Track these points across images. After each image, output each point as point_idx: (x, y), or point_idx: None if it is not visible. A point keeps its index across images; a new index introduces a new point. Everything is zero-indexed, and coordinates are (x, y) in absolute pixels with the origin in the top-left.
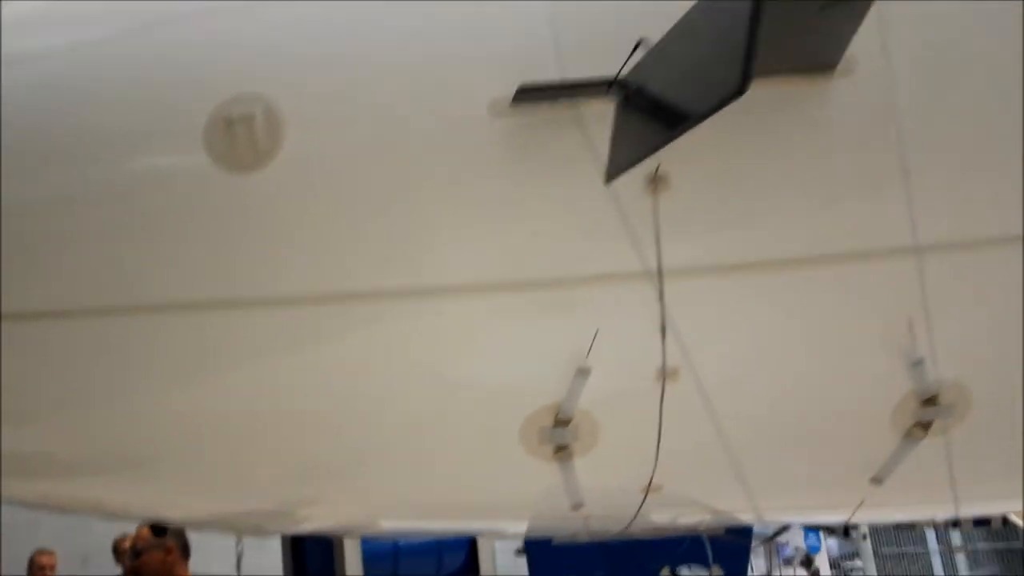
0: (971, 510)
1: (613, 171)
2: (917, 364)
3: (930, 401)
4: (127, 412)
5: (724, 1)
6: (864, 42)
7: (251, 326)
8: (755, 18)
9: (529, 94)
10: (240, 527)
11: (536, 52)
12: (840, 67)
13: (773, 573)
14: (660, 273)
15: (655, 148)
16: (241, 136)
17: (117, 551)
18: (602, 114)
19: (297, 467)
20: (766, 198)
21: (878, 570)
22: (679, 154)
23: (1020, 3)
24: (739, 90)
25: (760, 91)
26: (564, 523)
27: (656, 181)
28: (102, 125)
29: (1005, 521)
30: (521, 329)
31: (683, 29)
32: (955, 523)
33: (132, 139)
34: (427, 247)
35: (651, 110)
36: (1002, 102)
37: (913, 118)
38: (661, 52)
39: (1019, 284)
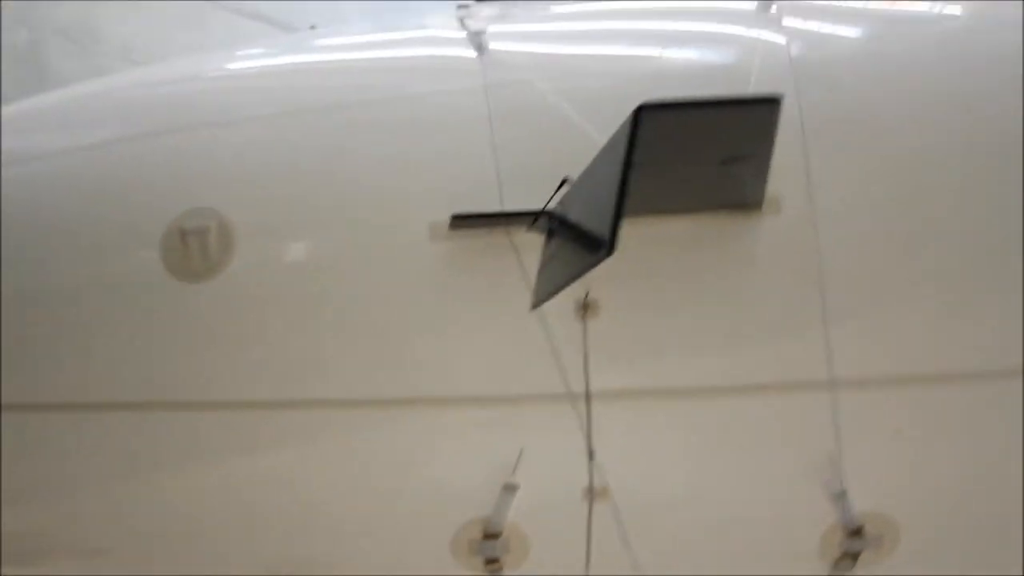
0: None
1: (538, 298)
2: (839, 496)
3: (856, 532)
4: (79, 505)
5: (610, 155)
6: (791, 184)
7: (192, 428)
8: (622, 191)
9: (466, 220)
10: None
11: (478, 178)
12: (767, 206)
13: None
14: (588, 396)
15: (568, 282)
16: (195, 248)
17: None
18: (535, 242)
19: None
20: (692, 328)
21: None
22: (609, 281)
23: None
24: (608, 252)
25: (691, 224)
26: None
27: (586, 307)
28: (66, 231)
29: None
30: (451, 443)
31: (589, 173)
32: None
33: (93, 246)
34: (363, 361)
35: (572, 243)
36: (918, 245)
37: (834, 258)
38: (578, 189)
39: (935, 419)
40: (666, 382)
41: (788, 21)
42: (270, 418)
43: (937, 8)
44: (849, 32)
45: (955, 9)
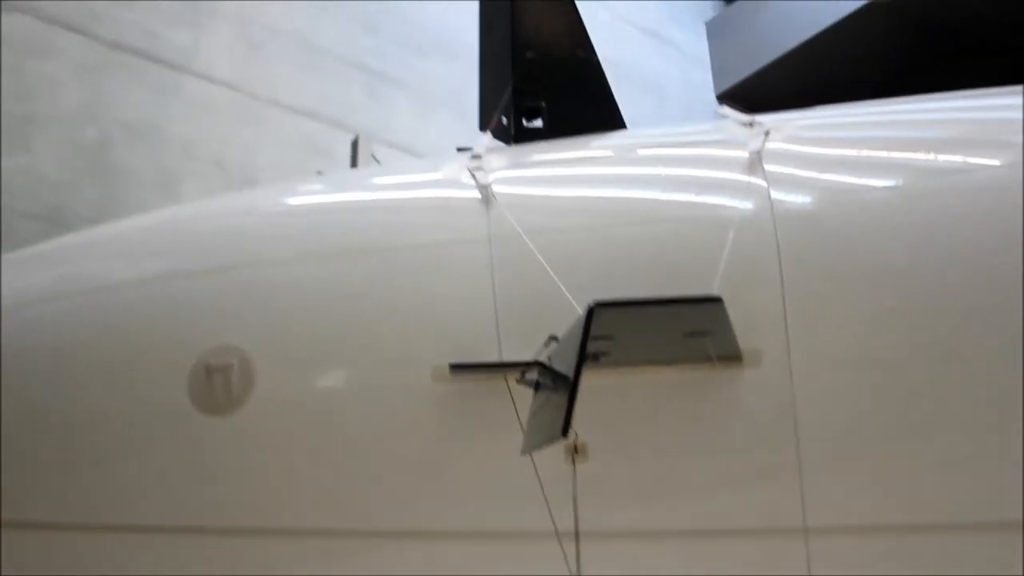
0: None
1: (528, 447)
2: None
3: None
4: None
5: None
6: (771, 339)
7: (211, 552)
8: (575, 382)
9: (464, 367)
10: None
11: (479, 325)
12: (748, 358)
13: None
14: (577, 535)
15: (547, 444)
16: (219, 383)
17: None
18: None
19: None
20: (675, 473)
21: None
22: (598, 427)
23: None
24: (563, 435)
25: (676, 374)
26: None
27: (576, 450)
28: (101, 360)
29: None
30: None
31: (563, 345)
32: None
33: (125, 376)
34: (367, 493)
35: (558, 395)
36: (897, 397)
37: (810, 410)
38: (559, 352)
39: (909, 568)
40: (650, 524)
41: (772, 167)
42: (281, 545)
43: (926, 158)
44: (833, 180)
45: (947, 162)
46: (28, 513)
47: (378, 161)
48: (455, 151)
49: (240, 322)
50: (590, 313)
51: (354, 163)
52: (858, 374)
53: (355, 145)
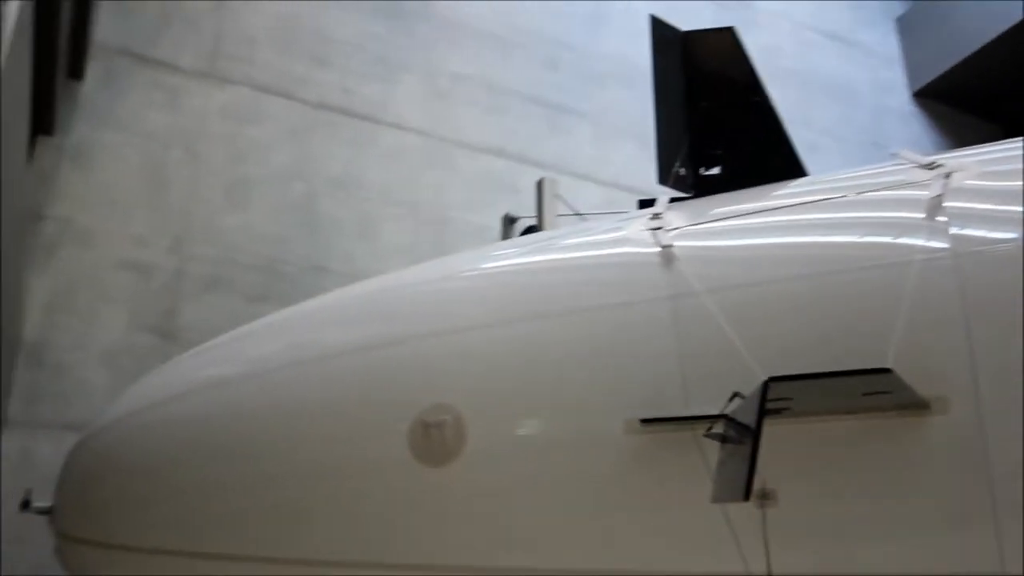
0: None
1: (718, 496)
2: None
3: None
4: None
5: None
6: (958, 383)
7: None
8: (754, 447)
9: (654, 421)
10: None
11: (666, 381)
12: (935, 406)
13: None
14: None
15: (729, 500)
16: (435, 438)
17: None
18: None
19: None
20: (863, 518)
21: None
22: (786, 473)
23: None
24: (745, 498)
25: (861, 424)
26: None
27: (764, 496)
28: (328, 424)
29: None
30: None
31: (744, 407)
32: None
33: (355, 431)
34: (566, 535)
35: (743, 450)
36: None
37: (1002, 454)
38: (742, 410)
39: None
40: (839, 568)
41: (955, 205)
42: None
43: None
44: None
45: None
46: (270, 551)
47: (563, 200)
48: (637, 206)
49: (451, 382)
50: (765, 387)
51: (539, 203)
52: None
53: (540, 186)
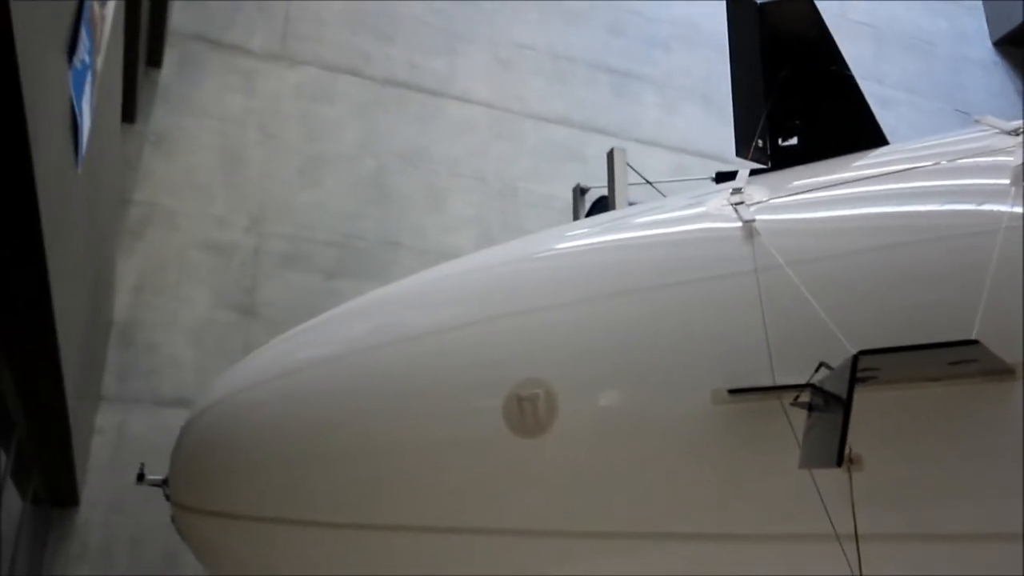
0: None
1: (805, 462)
2: None
3: None
4: None
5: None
6: None
7: (527, 551)
8: (845, 420)
9: (742, 391)
10: None
11: (752, 352)
12: (1019, 372)
13: None
14: (856, 537)
15: (823, 466)
16: (528, 411)
17: None
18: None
19: None
20: (947, 480)
21: None
22: (872, 439)
23: None
24: (838, 464)
25: (947, 390)
26: None
27: (851, 460)
28: (432, 394)
29: None
30: (740, 571)
31: (833, 378)
32: None
33: (452, 406)
34: (660, 500)
35: (832, 414)
36: None
37: None
38: (830, 381)
39: None
40: (925, 528)
41: None
42: (586, 545)
43: None
44: None
45: None
46: (384, 518)
47: (634, 169)
48: (713, 180)
49: (542, 357)
50: (855, 359)
51: (610, 173)
52: None
53: (610, 157)
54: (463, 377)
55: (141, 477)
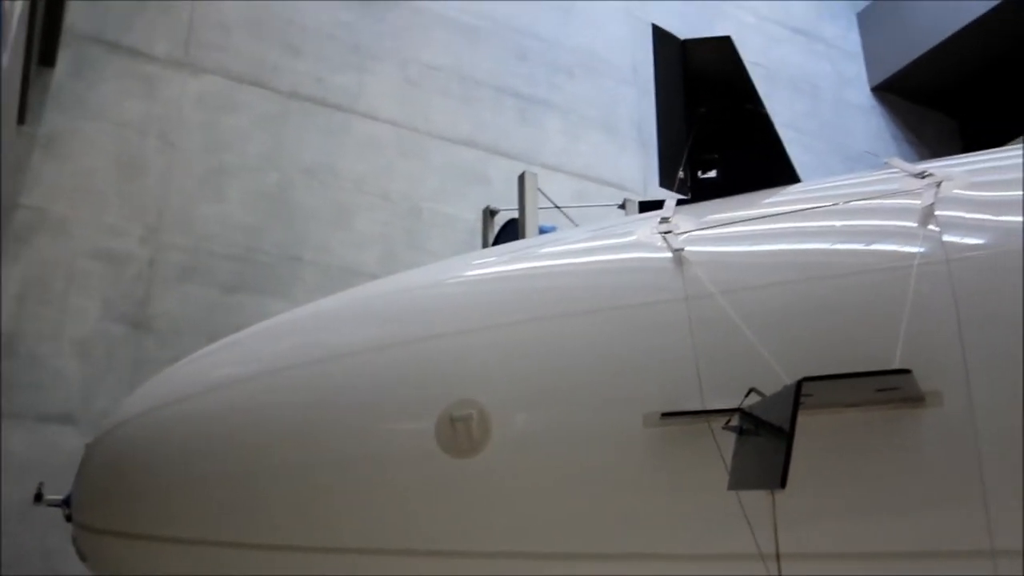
0: None
1: (733, 484)
2: None
3: None
4: None
5: (780, 403)
6: (951, 380)
7: (455, 572)
8: (789, 443)
9: (672, 415)
10: None
11: (682, 377)
12: (929, 400)
13: None
14: (778, 556)
15: (755, 488)
16: (461, 431)
17: None
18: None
19: None
20: (862, 501)
21: None
22: (795, 459)
23: None
24: (781, 486)
25: (867, 415)
26: None
27: None
28: (365, 418)
29: None
30: None
31: (768, 403)
32: None
33: (384, 426)
34: (591, 520)
35: (761, 440)
36: None
37: (993, 443)
38: (763, 407)
39: None
40: (843, 547)
41: (944, 216)
42: (519, 565)
43: None
44: (1008, 225)
45: None
46: (310, 540)
47: (544, 194)
48: (637, 207)
49: (476, 378)
50: (799, 387)
51: (521, 196)
52: None
53: (522, 180)
54: (395, 396)
55: (39, 497)
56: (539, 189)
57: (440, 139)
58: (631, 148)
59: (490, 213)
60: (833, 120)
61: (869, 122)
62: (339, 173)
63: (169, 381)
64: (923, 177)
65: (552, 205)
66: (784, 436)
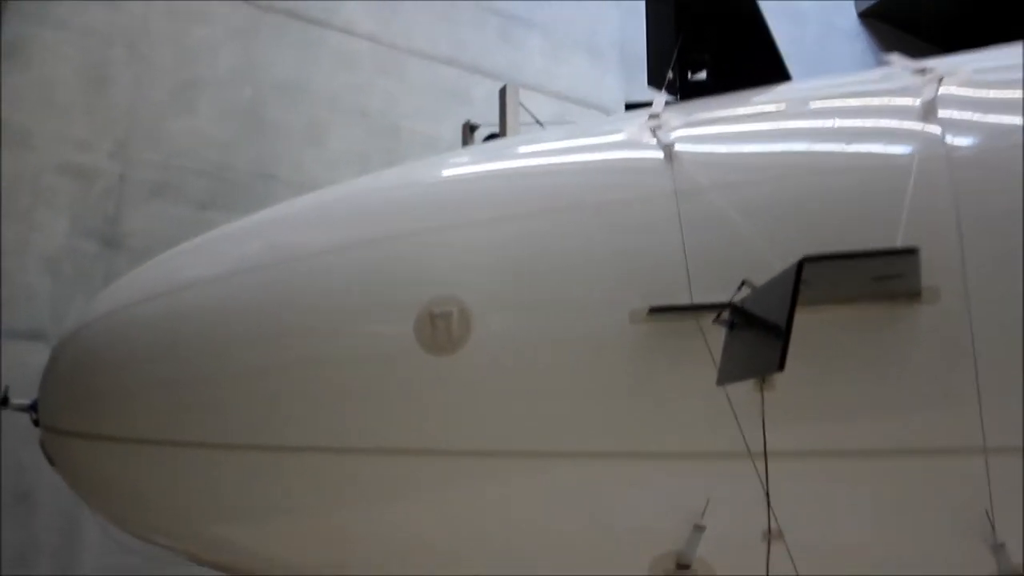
0: None
1: (723, 379)
2: (998, 548)
3: None
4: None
5: (779, 288)
6: (948, 277)
7: (437, 471)
8: (788, 324)
9: (661, 310)
10: None
11: (670, 273)
12: (925, 296)
13: None
14: (766, 454)
15: (748, 377)
16: (441, 328)
17: None
18: (719, 328)
19: None
20: (856, 399)
21: None
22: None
23: None
24: (779, 369)
25: (857, 312)
26: None
27: (763, 380)
28: (343, 316)
29: None
30: (651, 489)
31: (764, 291)
32: None
33: (361, 324)
34: (573, 419)
35: (752, 334)
36: None
37: (987, 339)
38: (755, 298)
39: None
40: (832, 445)
41: (945, 113)
42: (494, 464)
43: None
44: (1008, 124)
45: None
46: (283, 439)
47: (528, 111)
48: (624, 109)
49: (457, 275)
50: (800, 266)
51: (502, 111)
52: None
53: (503, 94)
54: (373, 293)
55: (5, 401)
56: (521, 104)
57: (420, 56)
58: (614, 70)
59: (470, 128)
60: (818, 46)
61: (855, 48)
62: (314, 90)
63: (134, 282)
64: (924, 74)
65: (535, 121)
66: (784, 318)
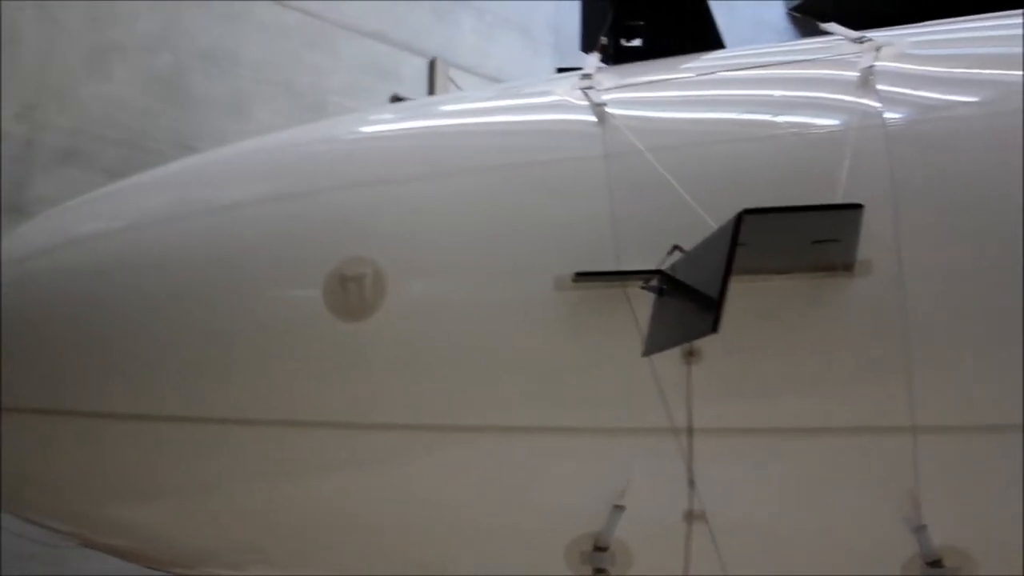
0: None
1: (650, 348)
2: (919, 530)
3: (935, 564)
4: (234, 505)
5: (716, 244)
6: (881, 250)
7: (347, 445)
8: (724, 280)
9: (587, 276)
10: None
11: (597, 238)
12: (858, 268)
13: None
14: (690, 431)
15: (677, 343)
16: (353, 291)
17: None
18: (646, 296)
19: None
20: (783, 374)
21: None
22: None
23: None
24: (713, 330)
25: (789, 284)
26: None
27: (691, 353)
28: (244, 276)
29: None
30: (569, 466)
31: (698, 251)
32: None
33: (266, 287)
34: (493, 391)
35: (681, 302)
36: (1001, 304)
37: (920, 315)
38: (687, 261)
39: (1016, 467)
40: (759, 422)
41: (884, 86)
42: (408, 437)
43: None
44: (944, 99)
45: None
46: (181, 410)
47: (457, 86)
48: (555, 72)
49: (372, 235)
50: (739, 220)
51: (431, 82)
52: (965, 283)
53: (432, 65)
54: (280, 253)
55: None
56: (451, 79)
57: (351, 31)
58: (546, 53)
59: (396, 100)
60: (748, 39)
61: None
62: (238, 59)
63: (27, 234)
64: (862, 43)
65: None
66: (720, 275)
